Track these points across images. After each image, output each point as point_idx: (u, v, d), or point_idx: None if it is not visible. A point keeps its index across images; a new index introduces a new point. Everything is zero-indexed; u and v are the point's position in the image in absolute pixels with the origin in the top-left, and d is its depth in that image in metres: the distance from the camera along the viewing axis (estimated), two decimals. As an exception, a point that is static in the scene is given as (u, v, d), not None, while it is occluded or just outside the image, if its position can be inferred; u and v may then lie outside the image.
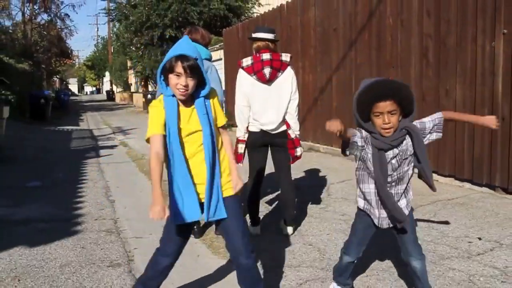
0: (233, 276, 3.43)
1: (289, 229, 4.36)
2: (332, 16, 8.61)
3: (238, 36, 13.06)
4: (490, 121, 2.67)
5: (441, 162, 6.26)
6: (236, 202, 2.68)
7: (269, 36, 4.24)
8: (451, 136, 6.05)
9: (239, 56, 12.57)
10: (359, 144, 2.62)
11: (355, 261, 2.88)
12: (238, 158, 4.15)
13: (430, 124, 2.65)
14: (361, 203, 2.79)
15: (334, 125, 2.44)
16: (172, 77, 2.50)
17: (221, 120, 2.73)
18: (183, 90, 2.49)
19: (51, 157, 9.47)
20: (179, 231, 2.66)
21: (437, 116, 2.65)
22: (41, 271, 3.58)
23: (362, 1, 7.75)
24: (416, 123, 2.64)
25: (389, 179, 2.66)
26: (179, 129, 2.55)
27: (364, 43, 7.75)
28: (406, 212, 2.73)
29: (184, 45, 2.54)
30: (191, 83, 2.50)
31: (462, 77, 5.90)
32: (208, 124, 2.57)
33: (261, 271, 3.48)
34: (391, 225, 2.72)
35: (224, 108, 4.52)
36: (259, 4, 21.21)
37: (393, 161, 2.62)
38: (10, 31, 27.99)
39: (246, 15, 20.80)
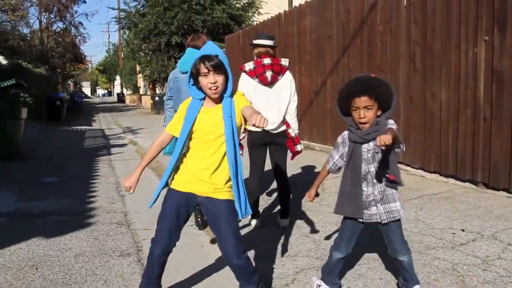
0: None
1: (285, 222, 4.36)
2: (326, 24, 8.60)
3: (239, 42, 13.06)
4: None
5: (427, 159, 6.26)
6: (230, 206, 2.57)
7: (269, 42, 4.26)
8: (437, 134, 6.06)
9: (240, 61, 12.54)
10: (337, 159, 2.72)
11: (345, 258, 2.78)
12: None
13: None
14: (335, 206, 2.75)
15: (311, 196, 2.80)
16: (201, 79, 2.48)
17: (245, 103, 2.58)
18: (214, 88, 2.46)
19: (66, 155, 9.47)
20: (166, 216, 2.65)
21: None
22: (57, 260, 3.59)
23: (354, 10, 7.75)
24: (389, 122, 2.56)
25: (368, 176, 2.59)
26: (193, 131, 2.55)
27: (356, 49, 7.75)
28: (401, 211, 2.64)
29: (204, 48, 2.53)
30: (219, 79, 2.46)
31: (446, 81, 5.90)
32: (231, 127, 2.51)
33: (261, 261, 3.49)
34: (379, 221, 2.64)
35: None
36: (259, 13, 21.19)
37: (368, 155, 2.58)
38: (28, 38, 27.98)
39: (246, 23, 20.78)
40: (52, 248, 3.84)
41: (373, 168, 2.58)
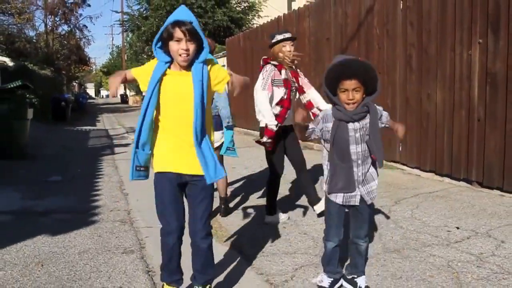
0: (235, 261, 3.44)
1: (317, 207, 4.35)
2: (324, 27, 8.60)
3: (240, 45, 13.05)
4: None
5: (423, 158, 6.26)
6: (208, 186, 2.54)
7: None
8: (432, 135, 6.06)
9: (240, 62, 12.57)
10: (318, 127, 2.68)
11: (339, 245, 2.77)
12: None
13: (385, 118, 2.74)
14: (326, 187, 2.74)
15: (299, 116, 2.78)
16: (172, 44, 2.38)
17: (225, 76, 2.53)
18: (185, 55, 2.38)
19: (71, 154, 9.47)
20: (166, 203, 2.57)
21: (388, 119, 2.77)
22: (62, 257, 3.58)
23: (352, 13, 7.74)
24: (378, 108, 2.69)
25: (354, 157, 2.61)
26: (160, 94, 2.44)
27: (354, 51, 7.74)
28: (368, 199, 2.69)
29: (179, 13, 2.42)
30: (191, 47, 2.38)
31: (442, 82, 5.90)
32: (201, 92, 2.41)
33: (261, 257, 3.49)
34: (356, 204, 2.66)
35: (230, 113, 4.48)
36: (259, 16, 21.22)
37: (357, 135, 2.60)
38: (34, 40, 27.96)
39: (247, 25, 20.81)
40: (57, 246, 3.84)
41: (360, 148, 2.61)
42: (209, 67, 2.50)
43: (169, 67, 2.48)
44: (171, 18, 2.39)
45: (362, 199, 2.68)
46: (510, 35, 4.98)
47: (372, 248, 3.56)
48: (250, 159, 7.74)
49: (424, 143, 6.22)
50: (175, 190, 2.57)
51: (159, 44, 2.46)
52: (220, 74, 2.53)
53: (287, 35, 4.22)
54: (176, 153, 2.52)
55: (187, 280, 2.77)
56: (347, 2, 7.86)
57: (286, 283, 3.06)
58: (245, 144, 9.50)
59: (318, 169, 6.87)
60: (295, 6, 20.15)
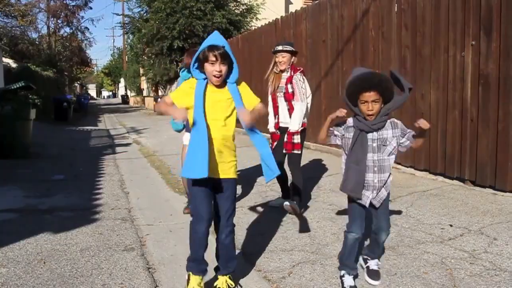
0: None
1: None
2: (321, 29, 8.60)
3: (238, 46, 13.04)
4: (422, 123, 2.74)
5: (417, 157, 6.27)
6: (232, 185, 2.81)
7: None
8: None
9: (239, 64, 12.49)
10: (339, 134, 2.83)
11: (359, 238, 2.85)
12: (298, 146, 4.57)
13: (409, 134, 2.87)
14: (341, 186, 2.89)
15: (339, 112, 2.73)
16: (207, 66, 2.65)
17: (253, 100, 2.80)
18: (218, 76, 2.64)
19: (73, 154, 9.45)
20: (203, 198, 2.73)
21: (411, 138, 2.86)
22: (63, 254, 3.57)
23: (348, 16, 7.74)
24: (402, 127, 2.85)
25: (371, 163, 2.76)
26: (204, 109, 2.68)
27: (350, 53, 7.75)
28: (383, 201, 2.85)
29: (213, 38, 2.67)
30: (223, 68, 2.64)
31: (435, 83, 5.90)
32: (240, 104, 2.71)
33: (258, 254, 3.49)
34: (373, 206, 2.83)
35: None
36: (257, 19, 21.18)
37: (374, 144, 2.75)
38: (37, 42, 27.91)
39: (245, 27, 20.77)
40: (59, 243, 3.83)
41: (376, 157, 2.75)
42: (239, 87, 2.78)
43: (207, 83, 2.73)
44: (206, 43, 2.66)
45: (371, 203, 2.83)
46: (502, 37, 4.99)
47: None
48: (248, 158, 7.73)
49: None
50: (209, 191, 2.78)
51: (196, 64, 2.72)
52: (250, 98, 2.80)
53: (277, 47, 4.61)
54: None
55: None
56: (343, 5, 7.86)
57: (284, 280, 3.05)
58: (243, 144, 9.50)
59: (314, 168, 6.87)
60: (292, 8, 20.15)
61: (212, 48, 2.61)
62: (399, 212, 4.48)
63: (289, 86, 4.54)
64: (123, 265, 3.35)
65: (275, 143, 4.70)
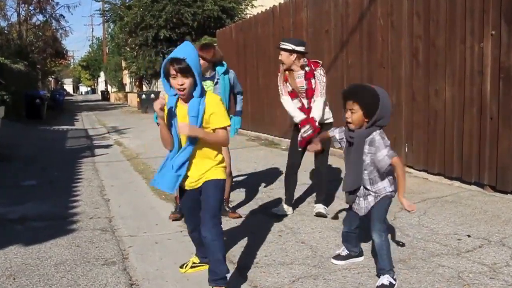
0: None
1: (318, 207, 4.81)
2: (324, 17, 8.62)
3: (232, 37, 13.05)
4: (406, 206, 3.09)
5: (430, 160, 6.28)
6: (215, 184, 3.00)
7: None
8: (441, 135, 6.07)
9: (233, 56, 12.55)
10: (337, 137, 3.33)
11: (352, 231, 3.43)
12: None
13: (381, 156, 3.05)
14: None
15: (314, 147, 3.60)
16: (171, 80, 2.82)
17: (220, 121, 2.93)
18: (182, 90, 2.80)
19: (47, 156, 9.42)
20: (186, 201, 3.18)
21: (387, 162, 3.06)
22: (36, 269, 3.55)
23: (353, 3, 7.76)
24: (380, 140, 3.07)
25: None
26: (176, 125, 2.91)
27: (355, 44, 7.76)
28: (372, 204, 3.21)
29: (177, 49, 2.83)
30: (186, 81, 2.78)
31: (451, 78, 5.92)
32: (195, 123, 2.86)
33: (254, 268, 3.48)
34: (362, 214, 3.28)
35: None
36: (252, 6, 21.20)
37: (366, 158, 3.13)
38: (6, 31, 27.80)
39: (239, 16, 20.79)
40: (31, 257, 3.81)
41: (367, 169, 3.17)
42: (208, 102, 2.89)
43: (178, 99, 2.91)
44: (170, 55, 2.82)
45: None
46: (525, 27, 5.01)
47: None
48: (242, 161, 7.73)
49: (432, 144, 6.24)
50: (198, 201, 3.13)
51: (165, 79, 2.90)
52: (214, 119, 2.91)
53: (282, 45, 4.70)
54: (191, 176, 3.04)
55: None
56: (348, -9, 7.88)
57: (283, 297, 3.05)
58: (238, 146, 9.50)
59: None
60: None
61: (172, 61, 2.76)
62: (410, 221, 4.48)
63: (312, 81, 4.70)
64: (102, 281, 3.34)
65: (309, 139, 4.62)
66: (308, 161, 5.02)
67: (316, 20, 8.86)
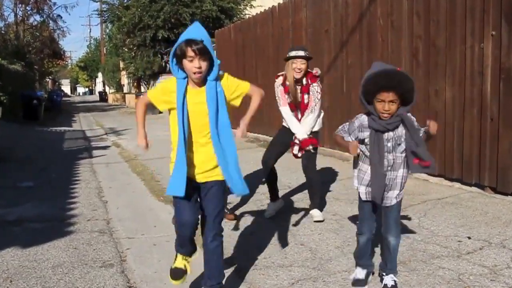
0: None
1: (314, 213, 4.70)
2: (323, 17, 8.62)
3: (231, 37, 13.05)
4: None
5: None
6: (219, 187, 2.90)
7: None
8: (441, 136, 6.07)
9: (231, 57, 12.56)
10: (352, 136, 3.00)
11: (371, 238, 3.15)
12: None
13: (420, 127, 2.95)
14: (355, 181, 3.09)
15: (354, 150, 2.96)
16: (186, 63, 2.67)
17: (242, 88, 2.90)
18: (199, 73, 2.67)
19: (44, 158, 9.41)
20: (183, 206, 2.87)
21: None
22: (33, 272, 3.55)
23: (353, 3, 7.76)
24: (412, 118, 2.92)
25: (385, 163, 2.92)
26: (187, 113, 2.75)
27: (355, 44, 7.77)
28: (395, 201, 3.02)
29: (191, 30, 2.71)
30: (204, 64, 2.66)
31: (451, 78, 5.92)
32: (215, 110, 2.75)
33: (253, 271, 3.48)
34: (387, 205, 3.02)
35: None
36: (251, 6, 21.21)
37: (389, 144, 2.91)
38: (3, 32, 27.79)
39: (238, 16, 20.80)
40: (28, 259, 3.81)
41: (391, 156, 2.92)
42: (222, 81, 2.81)
43: (187, 83, 2.78)
44: (184, 36, 2.68)
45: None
46: (526, 27, 5.01)
47: (376, 260, 3.55)
48: (240, 162, 7.72)
49: (432, 145, 6.22)
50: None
51: (175, 61, 2.75)
52: (238, 88, 2.88)
53: (300, 53, 4.57)
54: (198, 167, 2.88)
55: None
56: (347, -9, 7.88)
57: (282, 299, 3.05)
58: (237, 147, 9.47)
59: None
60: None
61: (189, 42, 2.63)
62: (410, 223, 4.48)
63: (305, 96, 4.62)
64: (100, 283, 3.34)
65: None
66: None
67: (316, 20, 8.85)
